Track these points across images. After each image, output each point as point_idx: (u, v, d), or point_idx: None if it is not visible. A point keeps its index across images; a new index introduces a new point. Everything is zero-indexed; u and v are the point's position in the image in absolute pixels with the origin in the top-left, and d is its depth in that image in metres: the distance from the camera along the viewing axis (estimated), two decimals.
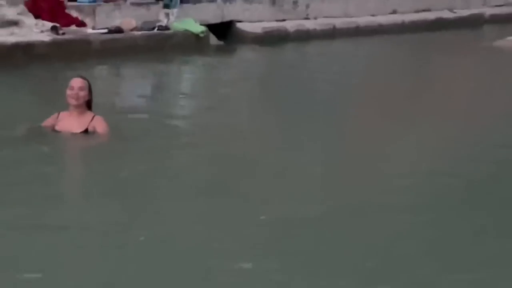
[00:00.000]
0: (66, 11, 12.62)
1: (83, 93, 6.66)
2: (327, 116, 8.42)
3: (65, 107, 6.82)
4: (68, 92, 6.65)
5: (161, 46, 12.64)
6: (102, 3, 12.85)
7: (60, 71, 10.67)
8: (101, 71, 11.27)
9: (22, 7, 12.54)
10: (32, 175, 5.84)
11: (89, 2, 12.77)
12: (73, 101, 6.66)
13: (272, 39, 14.49)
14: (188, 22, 13.33)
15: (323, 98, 9.60)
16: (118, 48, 11.97)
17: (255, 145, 7.03)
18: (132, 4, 13.09)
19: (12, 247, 4.52)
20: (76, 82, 6.68)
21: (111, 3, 12.87)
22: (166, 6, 13.48)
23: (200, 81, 11.42)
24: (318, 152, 6.90)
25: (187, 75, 11.88)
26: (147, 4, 13.30)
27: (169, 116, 8.47)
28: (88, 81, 6.78)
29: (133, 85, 10.77)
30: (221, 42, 13.98)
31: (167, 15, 13.31)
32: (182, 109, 9.27)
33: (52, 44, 11.32)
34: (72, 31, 12.05)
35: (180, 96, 10.10)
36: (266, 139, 7.24)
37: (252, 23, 14.81)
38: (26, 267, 4.27)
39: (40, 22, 12.12)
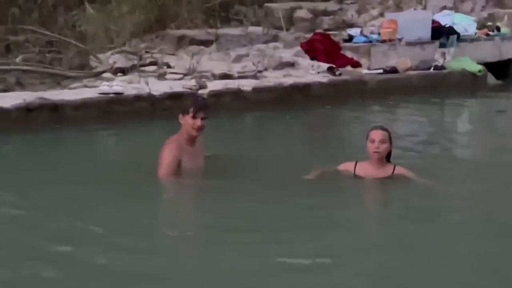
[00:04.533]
0: (341, 51, 12.65)
1: (385, 146, 6.37)
2: None
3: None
4: (369, 144, 6.38)
5: (436, 85, 12.31)
6: (377, 43, 12.75)
7: (336, 111, 10.69)
8: (376, 112, 11.08)
9: (297, 49, 12.75)
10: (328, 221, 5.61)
11: (364, 42, 12.73)
12: (374, 155, 6.37)
13: None
14: (464, 61, 12.92)
15: None
16: (394, 88, 11.77)
17: None
18: (408, 44, 12.85)
19: None
20: (377, 135, 6.37)
21: (386, 43, 12.72)
22: (442, 45, 13.11)
23: (478, 123, 10.89)
24: None
25: (465, 115, 11.40)
26: (422, 43, 12.99)
27: (450, 158, 8.11)
28: (388, 132, 6.43)
29: (410, 125, 10.44)
30: (500, 82, 13.38)
31: (443, 54, 12.93)
32: (461, 151, 8.78)
33: (329, 85, 11.33)
34: (347, 71, 12.02)
35: (459, 137, 9.66)
36: None
37: None
38: None
39: (316, 63, 12.22)
